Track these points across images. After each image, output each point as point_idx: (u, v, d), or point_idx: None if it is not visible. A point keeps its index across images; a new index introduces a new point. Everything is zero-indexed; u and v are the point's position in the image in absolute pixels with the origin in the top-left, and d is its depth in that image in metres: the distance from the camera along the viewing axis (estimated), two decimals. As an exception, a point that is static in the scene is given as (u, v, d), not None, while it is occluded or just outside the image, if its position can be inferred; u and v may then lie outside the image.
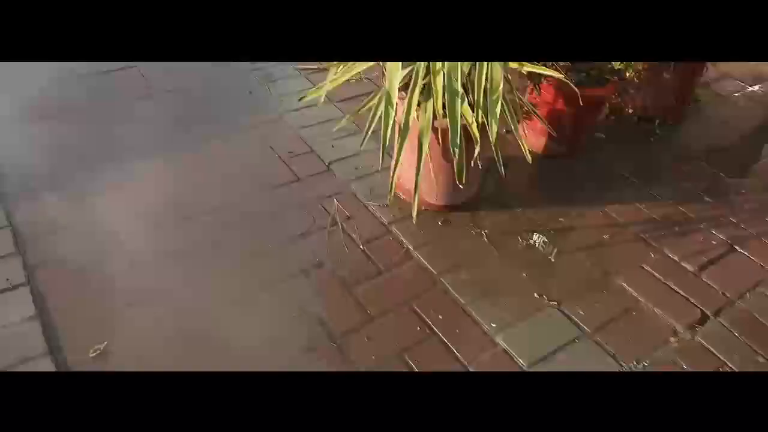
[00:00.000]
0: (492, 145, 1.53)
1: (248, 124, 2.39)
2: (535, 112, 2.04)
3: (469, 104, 1.58)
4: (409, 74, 1.58)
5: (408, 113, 1.56)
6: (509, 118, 1.65)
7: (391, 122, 1.51)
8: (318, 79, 2.68)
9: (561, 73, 1.61)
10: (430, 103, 1.64)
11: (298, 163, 2.23)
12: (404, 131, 1.57)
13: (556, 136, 2.19)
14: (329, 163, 2.24)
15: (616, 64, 2.32)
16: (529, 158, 1.66)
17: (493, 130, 1.48)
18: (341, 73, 1.59)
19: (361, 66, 1.56)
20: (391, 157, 1.74)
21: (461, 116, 1.51)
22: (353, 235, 1.96)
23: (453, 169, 1.66)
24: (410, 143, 1.66)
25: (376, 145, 1.68)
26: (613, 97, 2.49)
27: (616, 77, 2.28)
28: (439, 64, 1.51)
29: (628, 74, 2.41)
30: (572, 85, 1.78)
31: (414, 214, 1.73)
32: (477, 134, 1.51)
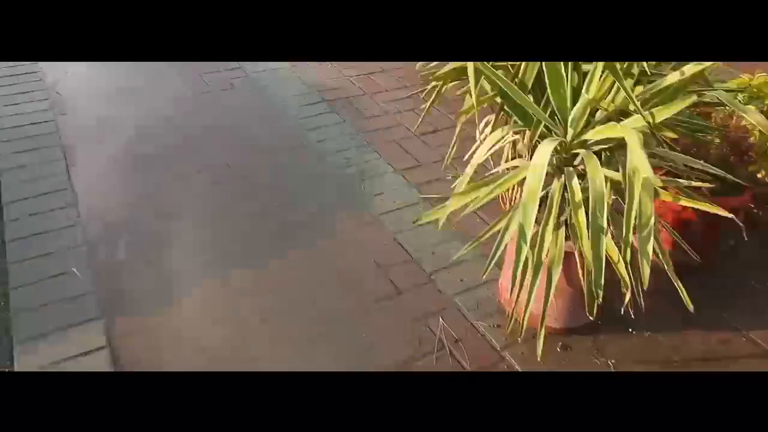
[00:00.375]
0: (642, 287, 1.32)
1: (343, 226, 2.29)
2: (662, 222, 1.83)
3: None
4: (544, 200, 1.41)
5: (541, 248, 1.39)
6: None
7: (523, 259, 1.34)
8: (414, 176, 2.57)
9: (716, 206, 1.41)
10: (561, 232, 1.47)
11: (398, 273, 2.08)
12: (537, 267, 1.40)
13: (684, 245, 1.95)
14: (431, 274, 2.08)
15: (751, 166, 2.09)
16: (682, 293, 1.44)
17: (645, 272, 1.28)
18: (479, 193, 1.43)
19: (504, 187, 1.40)
20: (495, 265, 1.54)
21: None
22: (463, 362, 1.77)
23: (577, 292, 1.47)
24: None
25: (478, 252, 1.54)
26: (751, 206, 2.24)
27: (751, 184, 2.04)
28: (578, 196, 1.34)
29: (760, 175, 2.17)
30: (719, 210, 1.56)
31: (539, 352, 1.53)
32: (626, 278, 1.31)
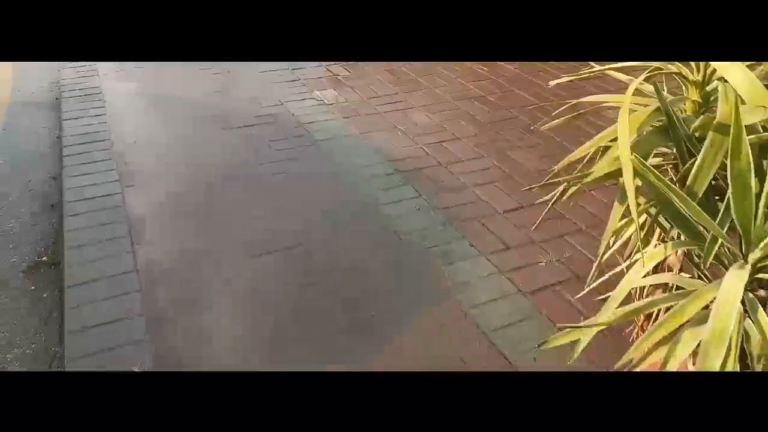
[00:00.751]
0: None
1: (427, 321, 2.01)
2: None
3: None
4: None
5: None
6: None
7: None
8: (503, 261, 2.28)
9: None
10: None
11: (497, 384, 1.78)
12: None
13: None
14: (536, 387, 1.77)
15: None
16: None
17: None
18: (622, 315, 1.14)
19: (678, 321, 1.10)
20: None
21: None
22: None
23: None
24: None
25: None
26: None
27: None
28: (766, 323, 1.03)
29: None
30: None
31: None
32: None
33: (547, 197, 1.47)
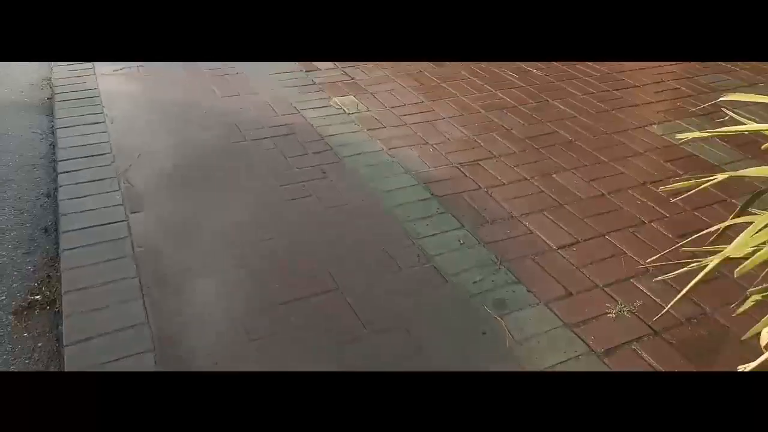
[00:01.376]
0: None
1: (491, 388, 1.71)
2: None
3: None
4: None
5: None
6: None
7: None
8: (566, 311, 1.97)
9: None
10: None
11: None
12: None
13: None
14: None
15: None
16: None
17: None
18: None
19: None
20: None
21: None
22: None
23: None
24: None
25: None
26: None
27: None
28: None
29: None
30: None
31: None
32: None
33: (675, 273, 1.17)
